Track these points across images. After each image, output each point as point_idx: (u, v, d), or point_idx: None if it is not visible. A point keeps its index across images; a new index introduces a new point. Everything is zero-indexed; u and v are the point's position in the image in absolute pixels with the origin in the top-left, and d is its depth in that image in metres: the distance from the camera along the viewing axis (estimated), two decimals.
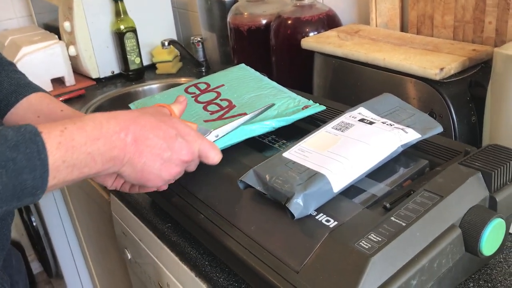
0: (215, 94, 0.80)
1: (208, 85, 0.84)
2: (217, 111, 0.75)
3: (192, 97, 0.81)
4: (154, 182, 0.55)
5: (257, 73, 0.85)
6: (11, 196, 0.44)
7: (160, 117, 0.56)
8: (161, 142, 0.53)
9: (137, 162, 0.53)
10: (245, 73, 0.86)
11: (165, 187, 0.60)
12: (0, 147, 0.43)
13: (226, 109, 0.75)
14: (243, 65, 0.89)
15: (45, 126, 0.47)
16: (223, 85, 0.83)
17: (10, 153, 0.43)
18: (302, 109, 0.72)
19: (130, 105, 0.84)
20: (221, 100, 0.78)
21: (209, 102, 0.78)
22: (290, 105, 0.73)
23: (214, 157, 0.58)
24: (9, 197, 0.43)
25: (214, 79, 0.86)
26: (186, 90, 0.83)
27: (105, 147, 0.50)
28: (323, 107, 0.72)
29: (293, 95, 0.76)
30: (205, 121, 0.73)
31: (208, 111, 0.76)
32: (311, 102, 0.73)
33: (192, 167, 0.59)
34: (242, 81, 0.83)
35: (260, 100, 0.75)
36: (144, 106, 0.82)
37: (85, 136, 0.48)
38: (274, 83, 0.81)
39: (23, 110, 0.71)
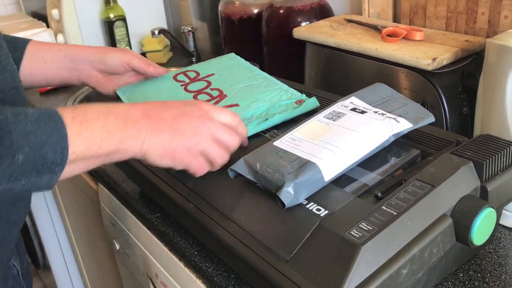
0: (205, 83, 0.79)
1: (198, 73, 0.83)
2: (207, 101, 0.74)
3: (182, 85, 0.80)
4: (184, 164, 0.56)
5: (248, 63, 0.84)
6: (31, 169, 0.45)
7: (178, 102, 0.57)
8: (179, 113, 0.55)
9: (156, 137, 0.53)
10: (235, 62, 0.84)
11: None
12: (22, 121, 0.45)
13: (217, 99, 0.74)
14: (233, 54, 0.88)
15: (57, 107, 0.49)
16: (213, 74, 0.82)
17: (32, 126, 0.45)
18: (296, 103, 0.71)
19: (117, 90, 0.82)
20: (211, 89, 0.77)
21: (199, 92, 0.77)
22: (283, 97, 0.72)
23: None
24: (29, 169, 0.45)
25: (203, 67, 0.85)
26: (175, 78, 0.82)
27: (117, 121, 0.51)
28: (317, 103, 0.71)
29: (285, 86, 0.76)
30: None
31: (198, 100, 0.75)
32: (304, 96, 0.72)
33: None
34: (233, 71, 0.81)
35: (251, 91, 0.74)
36: (132, 92, 0.81)
37: (96, 112, 0.50)
38: (265, 74, 0.80)
39: (30, 62, 0.74)
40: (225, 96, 0.74)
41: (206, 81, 0.80)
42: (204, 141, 0.55)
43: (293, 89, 0.75)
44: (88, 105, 0.51)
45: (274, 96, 0.73)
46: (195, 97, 0.76)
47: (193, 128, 0.55)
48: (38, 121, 0.45)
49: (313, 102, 0.71)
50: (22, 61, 0.74)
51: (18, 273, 0.69)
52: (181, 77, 0.82)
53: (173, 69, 1.44)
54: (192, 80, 0.81)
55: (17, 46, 0.74)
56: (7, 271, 0.66)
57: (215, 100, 0.74)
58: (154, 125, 0.53)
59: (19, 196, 0.60)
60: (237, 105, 0.71)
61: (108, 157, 0.51)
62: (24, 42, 0.75)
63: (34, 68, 0.75)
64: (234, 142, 0.58)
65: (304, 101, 0.71)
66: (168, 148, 0.54)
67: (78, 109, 0.49)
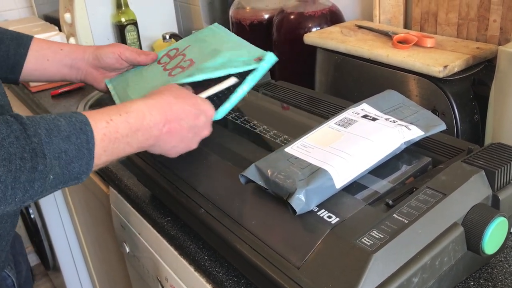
0: (181, 57, 0.79)
1: (177, 49, 0.82)
2: (179, 73, 0.74)
3: (162, 66, 0.80)
4: (172, 156, 0.62)
5: (227, 31, 0.82)
6: (59, 182, 0.47)
7: (187, 99, 0.61)
8: (189, 127, 0.60)
9: (166, 146, 0.59)
10: (215, 31, 0.82)
11: None
12: (54, 138, 0.46)
13: (186, 68, 0.74)
14: (216, 24, 0.85)
15: (92, 116, 0.51)
16: (189, 46, 0.81)
17: (64, 144, 0.46)
18: (254, 60, 0.69)
19: (106, 81, 0.83)
20: (184, 61, 0.77)
21: (174, 67, 0.77)
22: (243, 55, 0.71)
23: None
24: (58, 183, 0.47)
25: (183, 42, 0.84)
26: (159, 62, 0.82)
27: (143, 137, 0.55)
28: (274, 58, 0.70)
29: (253, 48, 0.74)
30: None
31: (172, 76, 0.75)
32: (265, 53, 0.70)
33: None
34: (208, 39, 0.80)
35: (216, 52, 0.73)
36: (117, 80, 0.82)
37: (128, 128, 0.53)
38: (241, 40, 0.78)
39: (34, 59, 0.79)
40: (194, 63, 0.74)
41: (182, 54, 0.79)
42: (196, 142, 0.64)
43: (261, 50, 0.73)
44: (127, 113, 0.53)
45: (235, 53, 0.72)
46: (169, 74, 0.75)
47: (192, 144, 0.62)
48: (70, 137, 0.47)
49: (269, 59, 0.69)
50: (27, 57, 0.78)
51: (14, 284, 0.69)
52: (164, 59, 0.81)
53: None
54: (172, 58, 0.80)
55: (21, 43, 0.78)
56: (1, 282, 0.67)
57: (185, 70, 0.73)
58: (169, 138, 0.58)
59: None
60: (192, 61, 0.72)
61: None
62: (28, 39, 0.79)
63: (37, 64, 0.79)
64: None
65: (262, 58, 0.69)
66: (168, 153, 0.61)
67: (112, 123, 0.52)
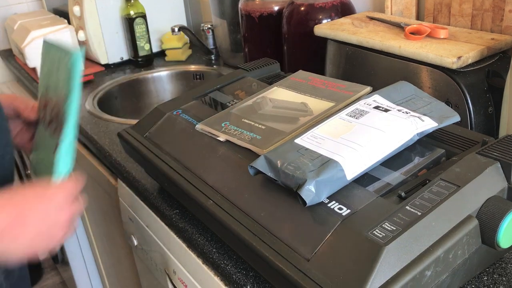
0: (44, 103, 0.67)
1: (45, 94, 0.68)
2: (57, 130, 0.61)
3: (43, 125, 0.68)
4: (48, 246, 0.55)
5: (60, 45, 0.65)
6: None
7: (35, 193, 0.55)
8: (38, 222, 0.53)
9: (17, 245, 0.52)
10: (47, 55, 0.67)
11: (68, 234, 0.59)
12: None
13: (55, 113, 0.63)
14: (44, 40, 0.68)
15: None
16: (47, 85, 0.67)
17: None
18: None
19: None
20: (49, 105, 0.65)
21: (48, 121, 0.65)
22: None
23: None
24: None
25: (42, 79, 0.69)
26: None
27: None
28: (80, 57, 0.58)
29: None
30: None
31: (56, 136, 0.61)
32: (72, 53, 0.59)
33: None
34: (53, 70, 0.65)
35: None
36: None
37: None
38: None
39: None
40: (58, 103, 0.62)
41: (44, 99, 0.68)
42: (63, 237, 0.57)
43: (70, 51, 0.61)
44: None
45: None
46: (53, 132, 0.63)
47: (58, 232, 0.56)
48: None
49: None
50: None
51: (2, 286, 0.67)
52: (41, 113, 0.69)
53: (193, 67, 1.44)
54: (45, 108, 0.67)
55: None
56: None
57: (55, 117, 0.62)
58: (13, 237, 0.52)
59: None
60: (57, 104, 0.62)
61: None
62: None
63: None
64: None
65: None
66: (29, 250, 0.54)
67: None
